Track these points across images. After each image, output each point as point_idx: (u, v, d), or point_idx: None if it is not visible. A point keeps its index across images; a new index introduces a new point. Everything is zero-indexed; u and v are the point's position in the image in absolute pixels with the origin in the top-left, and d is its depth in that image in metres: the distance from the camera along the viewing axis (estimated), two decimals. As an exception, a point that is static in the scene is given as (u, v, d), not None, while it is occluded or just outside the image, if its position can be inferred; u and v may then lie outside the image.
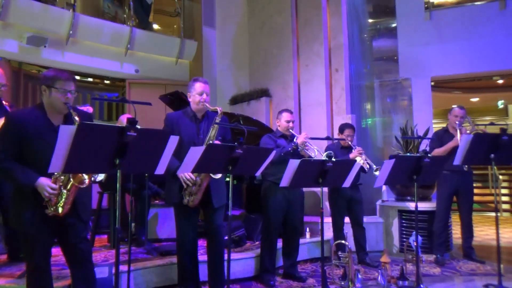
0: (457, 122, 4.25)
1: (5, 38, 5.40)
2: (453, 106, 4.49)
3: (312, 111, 5.95)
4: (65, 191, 2.23)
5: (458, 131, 4.18)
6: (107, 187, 4.15)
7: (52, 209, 2.25)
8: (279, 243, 3.87)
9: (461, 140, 3.41)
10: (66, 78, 2.31)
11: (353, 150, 4.20)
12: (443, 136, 4.39)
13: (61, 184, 2.23)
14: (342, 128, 4.42)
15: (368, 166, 4.07)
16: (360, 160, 4.06)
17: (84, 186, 2.24)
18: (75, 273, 2.46)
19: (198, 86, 3.08)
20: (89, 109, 3.27)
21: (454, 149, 4.13)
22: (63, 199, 2.24)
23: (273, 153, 2.84)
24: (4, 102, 3.38)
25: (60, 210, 2.25)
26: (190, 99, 3.14)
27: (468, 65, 6.63)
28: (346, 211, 4.37)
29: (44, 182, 2.20)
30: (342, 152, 4.29)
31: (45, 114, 2.32)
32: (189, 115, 3.12)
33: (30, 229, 2.26)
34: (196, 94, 3.07)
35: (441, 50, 6.63)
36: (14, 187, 2.34)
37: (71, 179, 2.21)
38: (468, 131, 4.23)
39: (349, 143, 4.28)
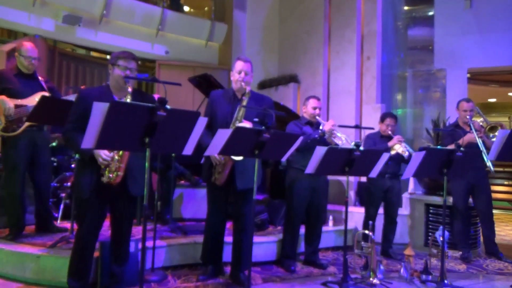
0: (468, 117, 4.11)
1: (42, 17, 5.55)
2: (459, 100, 4.35)
3: (341, 99, 5.85)
4: (117, 157, 2.42)
5: (471, 126, 4.00)
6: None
7: (107, 175, 2.42)
8: (302, 230, 3.88)
9: (498, 135, 3.28)
10: (126, 56, 2.58)
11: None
12: (454, 131, 4.23)
13: (114, 152, 2.41)
14: (383, 117, 4.28)
15: (407, 154, 3.95)
16: (399, 148, 3.97)
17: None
18: (112, 247, 2.68)
19: (238, 64, 3.08)
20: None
21: (470, 145, 3.99)
22: (115, 165, 2.41)
23: (300, 139, 2.82)
24: (40, 78, 3.50)
25: (113, 176, 2.42)
26: (231, 78, 3.16)
27: (508, 58, 6.30)
28: (381, 201, 4.25)
29: (100, 149, 2.37)
30: (382, 141, 4.16)
31: (110, 92, 2.57)
32: (229, 94, 3.15)
33: (85, 194, 2.46)
34: (236, 73, 3.08)
35: (480, 41, 6.33)
36: (79, 156, 2.60)
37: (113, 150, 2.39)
38: (481, 123, 4.08)
39: (389, 132, 4.15)
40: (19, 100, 3.30)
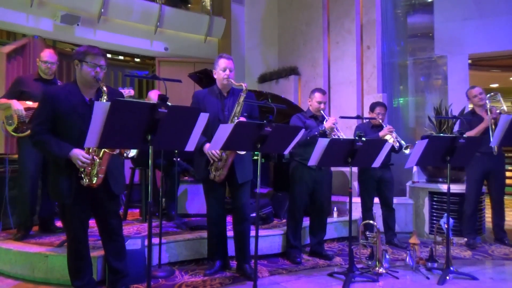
0: (481, 100, 4.12)
1: (41, 17, 5.55)
2: (467, 89, 4.34)
3: (342, 90, 5.83)
4: (97, 159, 2.34)
5: (488, 110, 3.99)
6: (138, 163, 4.27)
7: (86, 179, 2.36)
8: (307, 222, 3.90)
9: (500, 120, 3.27)
10: (95, 53, 2.42)
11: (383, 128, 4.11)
12: (472, 118, 4.22)
13: (93, 153, 2.35)
14: (373, 107, 4.33)
15: (398, 144, 3.97)
16: (390, 139, 3.97)
17: (115, 153, 2.36)
18: (106, 245, 2.64)
19: (222, 62, 3.11)
20: (130, 91, 3.42)
21: (486, 131, 3.98)
22: (96, 168, 2.35)
23: (302, 131, 2.83)
24: (59, 83, 3.63)
25: (94, 180, 2.36)
26: (215, 76, 3.18)
27: (509, 42, 6.24)
28: (375, 191, 4.31)
29: (77, 152, 2.31)
30: (373, 131, 4.21)
31: (78, 89, 2.43)
32: (215, 92, 3.17)
33: (67, 200, 2.39)
34: (220, 71, 3.11)
35: (480, 26, 6.27)
36: (51, 160, 2.47)
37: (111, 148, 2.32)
38: (498, 111, 4.05)
39: (380, 121, 4.19)
40: (31, 103, 3.38)
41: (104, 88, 2.36)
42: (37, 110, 2.43)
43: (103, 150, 2.33)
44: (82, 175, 2.36)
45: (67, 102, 2.36)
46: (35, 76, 3.55)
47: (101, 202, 2.51)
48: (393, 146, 3.98)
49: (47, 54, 3.52)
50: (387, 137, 4.00)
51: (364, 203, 4.31)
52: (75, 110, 2.35)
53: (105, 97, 2.35)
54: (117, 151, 2.36)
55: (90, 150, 2.34)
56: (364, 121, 4.59)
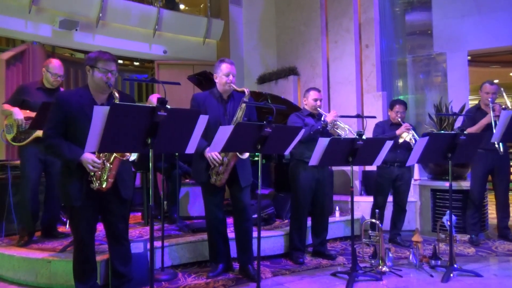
0: (489, 99, 4.05)
1: (39, 23, 5.55)
2: (483, 82, 4.28)
3: (342, 89, 5.83)
4: (108, 164, 2.35)
5: (491, 108, 3.97)
6: (139, 166, 4.27)
7: (96, 183, 2.37)
8: (308, 222, 3.89)
9: (501, 116, 3.26)
10: (107, 58, 2.44)
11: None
12: (476, 114, 4.21)
13: (104, 158, 2.35)
14: (392, 104, 4.25)
15: (414, 142, 3.94)
16: (407, 136, 3.96)
17: (126, 158, 2.36)
18: (112, 249, 2.64)
19: (225, 67, 3.09)
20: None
21: (489, 127, 3.98)
22: (106, 173, 2.35)
23: (302, 131, 2.82)
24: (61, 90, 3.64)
25: (104, 184, 2.37)
26: (216, 80, 3.16)
27: (508, 38, 6.22)
28: (389, 190, 4.24)
29: (88, 156, 2.32)
30: (392, 129, 4.15)
31: (90, 94, 2.47)
32: (216, 96, 3.15)
33: (76, 203, 2.40)
34: (223, 75, 3.08)
35: (479, 22, 6.26)
36: (62, 163, 2.49)
37: (114, 152, 2.32)
38: (503, 106, 4.03)
39: (399, 119, 4.13)
40: (30, 113, 3.38)
41: (116, 94, 2.38)
42: (50, 114, 2.45)
43: (114, 155, 2.33)
44: (93, 179, 2.38)
45: (79, 107, 2.39)
46: (38, 85, 3.53)
47: (110, 206, 2.52)
48: (409, 144, 3.97)
49: (57, 67, 3.49)
50: (404, 134, 3.98)
51: (376, 201, 4.24)
52: (86, 115, 2.35)
53: (117, 94, 2.38)
54: (128, 156, 2.35)
55: (101, 155, 2.35)
56: (365, 120, 4.57)
